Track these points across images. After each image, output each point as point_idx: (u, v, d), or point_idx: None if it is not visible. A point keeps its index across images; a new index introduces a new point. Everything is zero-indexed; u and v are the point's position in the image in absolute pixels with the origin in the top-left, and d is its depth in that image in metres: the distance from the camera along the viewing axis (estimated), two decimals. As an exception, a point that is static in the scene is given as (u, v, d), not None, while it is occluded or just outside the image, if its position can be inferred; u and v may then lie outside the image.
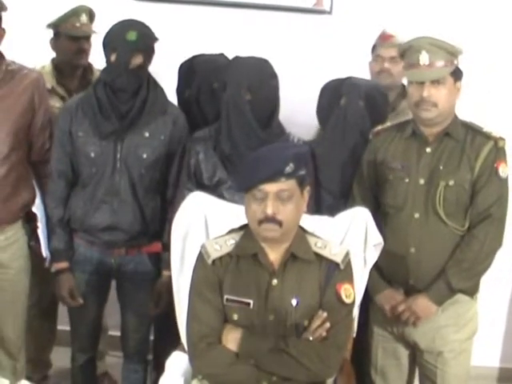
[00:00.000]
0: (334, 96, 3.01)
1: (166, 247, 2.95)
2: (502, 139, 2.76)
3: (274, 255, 2.43)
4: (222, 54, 3.24)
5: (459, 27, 3.70)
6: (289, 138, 2.99)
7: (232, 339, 2.39)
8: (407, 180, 2.79)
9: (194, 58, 3.25)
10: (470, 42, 3.64)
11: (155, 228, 3.06)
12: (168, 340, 3.14)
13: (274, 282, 2.41)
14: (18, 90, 3.01)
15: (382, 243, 2.72)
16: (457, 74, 2.73)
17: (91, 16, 3.47)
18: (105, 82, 2.96)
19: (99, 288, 3.16)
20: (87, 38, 3.47)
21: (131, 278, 3.11)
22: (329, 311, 2.39)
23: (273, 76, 2.96)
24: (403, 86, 3.45)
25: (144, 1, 3.86)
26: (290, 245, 2.42)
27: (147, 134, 2.98)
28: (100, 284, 3.15)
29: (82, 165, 3.01)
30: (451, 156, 2.75)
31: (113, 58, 2.91)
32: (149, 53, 2.99)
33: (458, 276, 2.72)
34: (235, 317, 2.41)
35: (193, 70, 3.20)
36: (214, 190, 2.88)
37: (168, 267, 2.91)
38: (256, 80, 2.89)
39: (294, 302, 2.39)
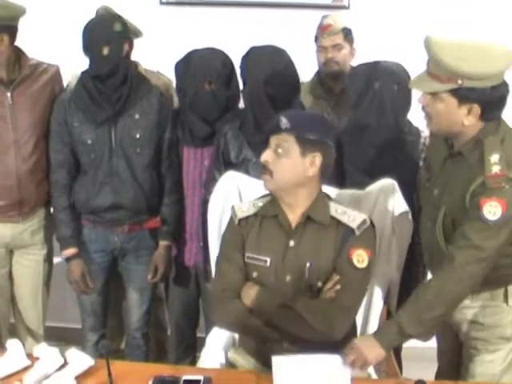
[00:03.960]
0: (368, 81, 3.04)
1: (164, 221, 3.27)
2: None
3: (293, 217, 2.53)
4: (213, 49, 3.26)
5: (480, 15, 3.81)
6: None
7: (248, 295, 2.50)
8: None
9: (190, 54, 3.25)
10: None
11: (154, 203, 3.26)
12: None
13: (291, 243, 2.51)
14: (41, 84, 3.25)
15: (409, 211, 2.78)
16: (464, 95, 2.38)
17: None
18: (93, 76, 3.12)
19: (105, 266, 3.33)
20: None
21: (134, 254, 3.30)
22: (340, 274, 2.46)
23: (289, 64, 3.05)
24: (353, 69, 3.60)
25: (168, 4, 4.01)
26: (307, 208, 2.51)
27: (137, 116, 3.18)
28: (105, 262, 3.32)
29: (80, 153, 3.20)
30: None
31: (105, 51, 3.07)
32: (131, 39, 3.21)
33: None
34: (254, 274, 2.54)
35: (187, 68, 3.20)
36: (240, 167, 3.00)
37: (165, 238, 3.26)
38: (273, 71, 2.99)
39: (308, 263, 2.48)
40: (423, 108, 2.47)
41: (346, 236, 2.48)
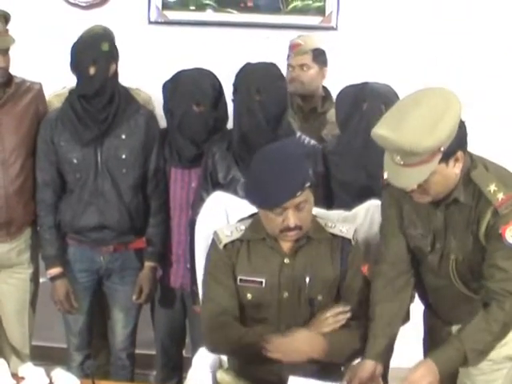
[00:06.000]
0: (356, 101, 3.04)
1: (149, 242, 3.25)
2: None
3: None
4: (201, 70, 3.27)
5: (465, 42, 3.83)
6: (300, 139, 3.09)
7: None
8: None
9: (178, 74, 3.24)
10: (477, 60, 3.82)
11: (140, 224, 3.25)
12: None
13: (286, 260, 2.54)
14: (26, 102, 3.22)
15: None
16: (449, 153, 2.32)
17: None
18: (79, 95, 3.12)
19: (90, 286, 3.32)
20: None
21: (119, 274, 3.29)
22: (354, 287, 2.56)
23: (280, 77, 3.09)
24: (325, 89, 3.67)
25: (157, 24, 4.01)
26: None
27: (124, 136, 3.17)
28: (90, 282, 3.31)
29: (66, 172, 3.20)
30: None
31: (92, 70, 3.07)
32: (117, 58, 3.19)
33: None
34: (249, 296, 2.54)
35: (175, 89, 3.20)
36: (228, 187, 3.00)
37: (150, 258, 3.24)
38: (264, 81, 3.01)
39: (307, 278, 2.51)
40: (411, 191, 2.39)
41: (345, 248, 2.57)
